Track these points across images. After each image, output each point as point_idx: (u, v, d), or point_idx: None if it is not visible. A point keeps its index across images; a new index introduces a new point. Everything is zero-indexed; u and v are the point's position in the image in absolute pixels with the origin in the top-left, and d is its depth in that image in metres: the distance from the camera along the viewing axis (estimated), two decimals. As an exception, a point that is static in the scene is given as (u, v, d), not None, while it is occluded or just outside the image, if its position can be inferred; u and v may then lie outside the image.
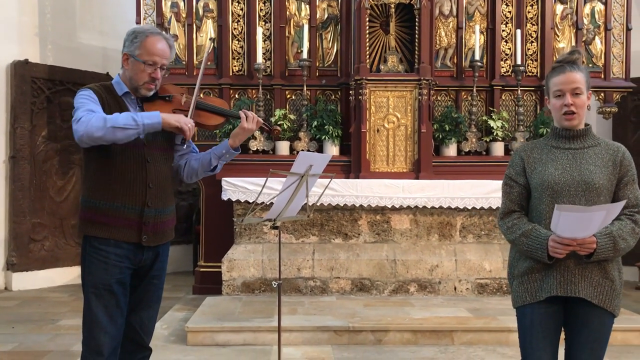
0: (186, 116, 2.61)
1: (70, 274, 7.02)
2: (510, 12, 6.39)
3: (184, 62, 6.25)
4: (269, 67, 6.25)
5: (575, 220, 2.20)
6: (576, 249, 2.27)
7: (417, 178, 5.75)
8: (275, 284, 3.41)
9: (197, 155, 2.82)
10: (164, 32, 2.72)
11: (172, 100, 2.69)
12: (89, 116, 2.42)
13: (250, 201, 5.60)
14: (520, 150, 2.53)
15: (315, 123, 6.00)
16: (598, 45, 6.43)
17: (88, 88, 2.59)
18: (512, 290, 2.50)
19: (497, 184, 5.53)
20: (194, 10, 6.24)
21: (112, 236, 2.54)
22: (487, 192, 5.65)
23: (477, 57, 6.11)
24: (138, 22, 6.03)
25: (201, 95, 2.73)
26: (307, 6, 6.29)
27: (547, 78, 2.49)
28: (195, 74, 6.11)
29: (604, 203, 2.34)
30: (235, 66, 6.30)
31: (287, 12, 6.30)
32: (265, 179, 3.17)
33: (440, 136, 6.03)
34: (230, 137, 2.74)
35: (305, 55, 6.02)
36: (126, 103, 2.62)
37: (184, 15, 6.26)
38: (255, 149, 6.01)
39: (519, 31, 6.21)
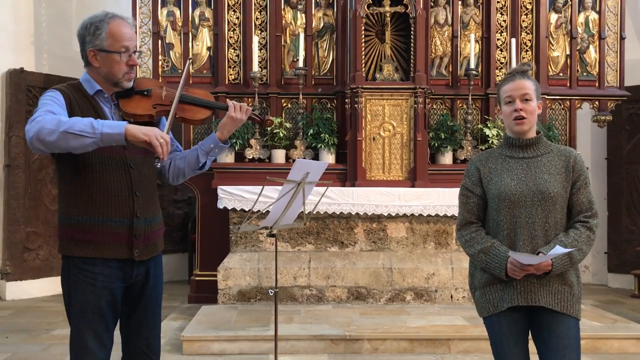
0: (168, 111, 2.32)
1: (65, 283, 6.97)
2: (505, 21, 6.42)
3: (179, 71, 6.25)
4: (264, 75, 6.25)
5: (527, 258, 2.33)
6: (533, 272, 2.35)
7: (413, 186, 5.76)
8: (271, 293, 3.40)
9: (182, 154, 2.55)
10: (117, 13, 2.43)
11: (151, 95, 2.39)
12: (45, 117, 2.11)
13: (247, 209, 5.59)
14: (475, 161, 2.58)
15: (311, 131, 6.01)
16: (592, 53, 6.47)
17: (55, 89, 2.31)
18: (475, 301, 2.55)
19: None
20: (190, 18, 6.26)
21: (99, 254, 2.27)
22: (483, 200, 5.65)
23: (472, 65, 6.13)
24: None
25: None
26: (303, 15, 6.31)
27: (498, 88, 2.56)
28: (190, 82, 6.11)
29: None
30: (231, 74, 6.31)
31: (283, 21, 6.32)
32: (261, 186, 3.16)
33: (436, 144, 6.04)
34: (217, 129, 2.46)
35: (301, 63, 6.03)
36: (99, 102, 2.35)
37: (180, 24, 6.27)
38: (251, 157, 6.00)
39: (513, 40, 6.24)
